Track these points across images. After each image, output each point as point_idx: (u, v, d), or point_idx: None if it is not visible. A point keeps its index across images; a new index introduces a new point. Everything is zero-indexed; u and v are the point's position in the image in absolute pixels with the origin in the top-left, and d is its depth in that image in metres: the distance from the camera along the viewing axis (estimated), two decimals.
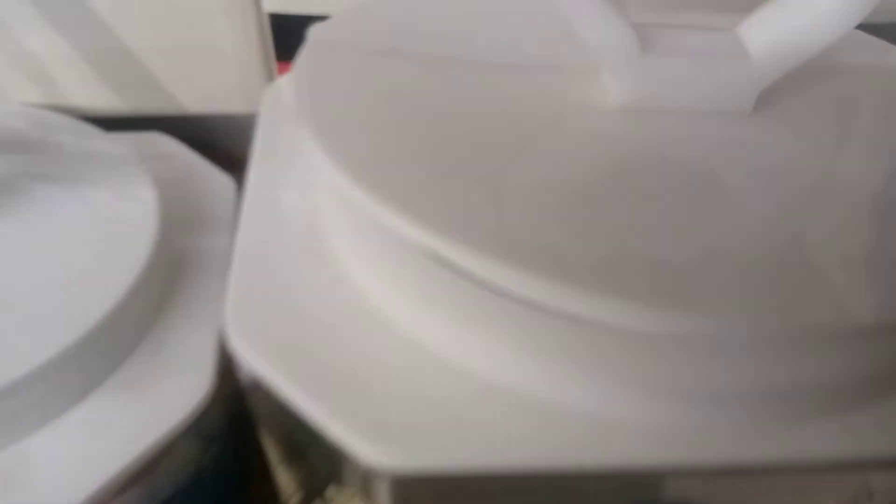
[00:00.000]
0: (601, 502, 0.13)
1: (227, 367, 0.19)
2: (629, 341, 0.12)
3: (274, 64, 0.23)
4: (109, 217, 0.20)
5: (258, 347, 0.13)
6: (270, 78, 0.23)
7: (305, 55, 0.15)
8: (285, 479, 0.17)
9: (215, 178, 0.23)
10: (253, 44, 0.23)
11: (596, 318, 0.10)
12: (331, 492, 0.15)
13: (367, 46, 0.16)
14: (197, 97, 0.24)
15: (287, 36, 0.22)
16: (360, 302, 0.13)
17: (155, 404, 0.18)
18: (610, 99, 0.14)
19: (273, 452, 0.16)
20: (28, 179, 0.20)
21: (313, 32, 0.16)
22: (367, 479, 0.13)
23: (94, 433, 0.17)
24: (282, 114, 0.17)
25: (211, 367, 0.18)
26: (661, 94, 0.14)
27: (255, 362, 0.13)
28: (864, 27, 0.16)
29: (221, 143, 0.25)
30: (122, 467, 0.17)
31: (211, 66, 0.23)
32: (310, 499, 0.16)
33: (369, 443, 0.12)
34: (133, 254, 0.19)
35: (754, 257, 0.12)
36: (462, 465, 0.12)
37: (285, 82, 0.19)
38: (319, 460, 0.14)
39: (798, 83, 0.15)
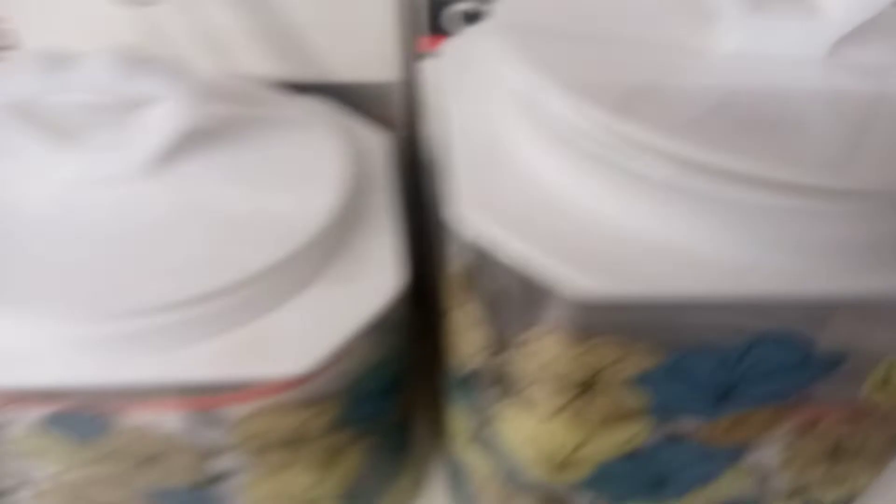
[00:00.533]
0: (737, 329, 0.19)
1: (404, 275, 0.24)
2: (759, 204, 0.17)
3: (413, 38, 0.28)
4: (311, 161, 0.25)
5: (489, 219, 0.18)
6: (409, 50, 0.29)
7: (504, 30, 0.20)
8: (474, 339, 0.22)
9: (370, 136, 0.28)
10: (396, 20, 0.28)
11: (751, 175, 0.16)
12: (524, 337, 0.20)
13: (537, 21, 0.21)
14: (343, 66, 0.29)
15: (431, 14, 0.27)
16: (552, 184, 0.19)
17: (356, 296, 0.23)
18: (723, 46, 0.20)
19: (467, 317, 0.22)
20: (247, 129, 0.26)
21: (498, 13, 0.21)
22: (565, 313, 0.18)
23: (313, 316, 0.23)
24: (460, 66, 0.23)
25: (395, 274, 0.24)
26: (762, 43, 0.20)
27: (488, 229, 0.18)
28: None
29: (362, 108, 0.30)
30: (335, 343, 0.22)
31: (358, 39, 0.28)
32: (499, 352, 0.21)
33: (579, 275, 0.17)
34: (331, 190, 0.24)
35: (832, 149, 0.17)
36: (642, 292, 0.17)
37: (460, 45, 0.24)
38: (517, 312, 0.20)
39: (860, 38, 0.21)
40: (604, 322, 0.19)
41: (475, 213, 0.18)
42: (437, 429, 0.35)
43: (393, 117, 0.30)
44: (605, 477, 0.24)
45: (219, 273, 0.21)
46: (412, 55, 0.29)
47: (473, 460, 0.27)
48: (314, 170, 0.24)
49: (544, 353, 0.20)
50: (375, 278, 0.24)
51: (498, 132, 0.20)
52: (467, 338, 0.23)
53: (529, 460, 0.24)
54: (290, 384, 0.22)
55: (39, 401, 0.22)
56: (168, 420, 0.23)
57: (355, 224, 0.25)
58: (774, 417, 0.22)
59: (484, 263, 0.19)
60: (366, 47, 0.29)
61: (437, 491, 0.35)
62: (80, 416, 0.23)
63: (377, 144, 0.28)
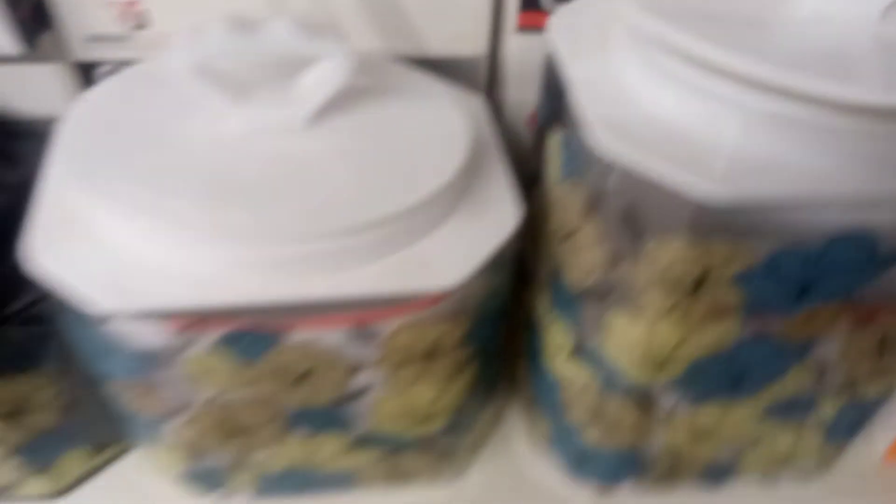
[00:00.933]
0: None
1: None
2: (834, 124, 0.22)
3: (498, 16, 0.32)
4: (440, 119, 0.29)
5: (623, 142, 0.23)
6: (499, 27, 0.33)
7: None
8: (594, 256, 0.26)
9: (473, 99, 0.32)
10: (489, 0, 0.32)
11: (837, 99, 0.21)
12: (647, 247, 0.24)
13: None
14: (438, 41, 0.33)
15: None
16: (669, 113, 0.24)
17: (485, 228, 0.27)
18: (800, 11, 0.25)
19: (588, 237, 0.26)
20: (384, 92, 0.30)
21: None
22: (691, 217, 0.23)
23: (454, 243, 0.27)
24: (571, 33, 0.28)
25: (513, 211, 0.28)
26: (830, 7, 0.24)
27: (623, 149, 0.23)
28: None
29: (450, 78, 0.34)
30: (476, 262, 0.26)
31: (453, 17, 0.33)
32: (617, 264, 0.26)
33: (705, 182, 0.22)
34: (464, 139, 0.28)
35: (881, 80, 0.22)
36: (757, 195, 0.22)
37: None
38: (644, 223, 0.24)
39: None
40: (718, 225, 0.23)
41: (611, 138, 0.23)
42: (511, 370, 0.39)
43: (478, 86, 0.35)
44: (694, 375, 0.28)
45: (382, 205, 0.25)
46: (497, 31, 0.33)
47: (571, 373, 0.31)
48: (443, 126, 0.29)
49: (665, 258, 0.24)
50: (498, 214, 0.28)
51: (618, 78, 0.25)
52: (587, 256, 0.27)
53: (632, 363, 0.28)
54: (438, 298, 0.26)
55: (220, 320, 0.26)
56: (328, 336, 0.27)
57: (476, 171, 0.29)
58: (838, 312, 0.27)
59: (616, 182, 0.24)
60: (460, 24, 0.33)
61: (512, 427, 0.40)
62: (251, 335, 0.27)
63: (479, 107, 0.32)
